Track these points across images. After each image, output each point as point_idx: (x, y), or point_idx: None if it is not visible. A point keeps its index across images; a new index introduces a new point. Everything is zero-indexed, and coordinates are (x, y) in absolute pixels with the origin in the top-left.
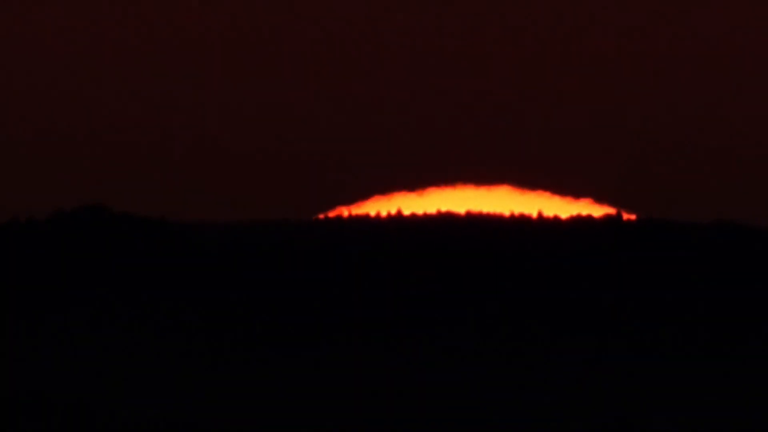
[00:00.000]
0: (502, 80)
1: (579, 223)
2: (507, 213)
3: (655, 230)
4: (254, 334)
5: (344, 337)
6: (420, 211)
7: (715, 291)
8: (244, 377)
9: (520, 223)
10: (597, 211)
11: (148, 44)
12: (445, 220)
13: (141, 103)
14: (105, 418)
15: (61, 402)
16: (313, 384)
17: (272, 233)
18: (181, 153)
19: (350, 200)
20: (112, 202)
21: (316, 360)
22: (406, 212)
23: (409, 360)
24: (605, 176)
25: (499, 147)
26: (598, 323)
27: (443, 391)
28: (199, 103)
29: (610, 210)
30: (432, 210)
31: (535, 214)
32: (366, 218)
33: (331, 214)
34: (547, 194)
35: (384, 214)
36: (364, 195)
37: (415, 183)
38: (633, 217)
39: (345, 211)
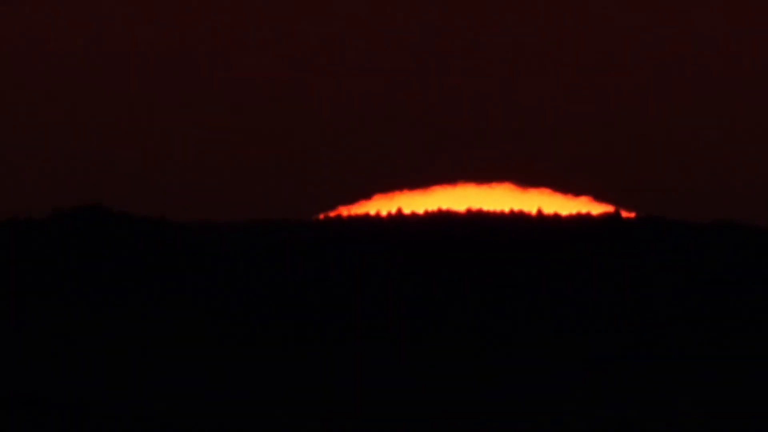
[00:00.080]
0: (503, 80)
1: (578, 221)
2: (507, 211)
3: (654, 229)
4: (254, 334)
5: (344, 337)
6: (420, 210)
7: (714, 291)
8: (244, 377)
9: (519, 220)
10: (596, 209)
11: (148, 44)
12: (446, 218)
13: (141, 103)
14: (105, 418)
15: (61, 402)
16: (313, 384)
17: (272, 233)
18: (181, 153)
19: (352, 200)
20: (112, 202)
21: (316, 360)
22: (407, 211)
23: (409, 359)
24: (605, 174)
25: (500, 145)
26: (597, 322)
27: (443, 390)
28: (199, 102)
29: (609, 208)
30: (433, 208)
31: (534, 212)
32: (366, 217)
33: (333, 213)
34: (547, 192)
35: (384, 213)
36: (366, 194)
37: (417, 182)
38: (632, 215)
39: (345, 211)
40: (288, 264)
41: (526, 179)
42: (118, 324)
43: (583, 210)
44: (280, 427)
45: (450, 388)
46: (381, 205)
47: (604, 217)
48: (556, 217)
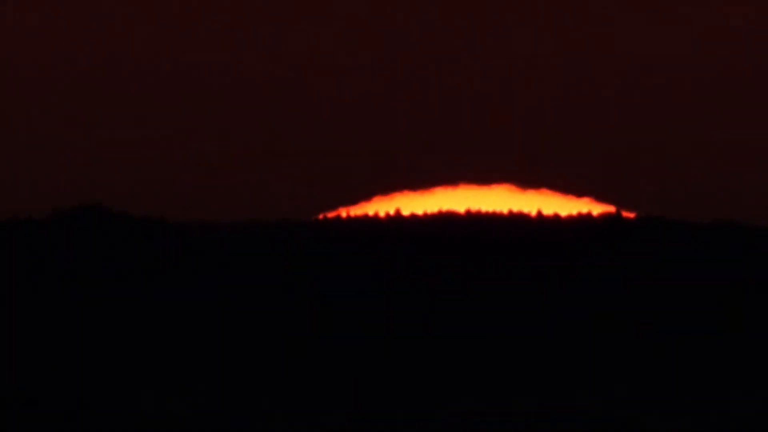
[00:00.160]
0: (503, 80)
1: (578, 221)
2: (506, 212)
3: (655, 229)
4: (254, 334)
5: (344, 337)
6: (420, 211)
7: (714, 291)
8: (244, 377)
9: (519, 221)
10: (596, 209)
11: (148, 43)
12: (445, 219)
13: (141, 102)
14: (105, 418)
15: (61, 402)
16: (313, 383)
17: (272, 233)
18: (181, 153)
19: (352, 200)
20: (112, 202)
21: (316, 360)
22: (406, 212)
23: (409, 359)
24: (605, 175)
25: (500, 147)
26: (597, 322)
27: (443, 389)
28: (199, 102)
29: (609, 208)
30: (432, 209)
31: (534, 213)
32: (365, 218)
33: (333, 214)
34: (546, 193)
35: (383, 214)
36: (366, 195)
37: (417, 183)
38: (632, 215)
39: (345, 212)
40: (288, 264)
41: (527, 180)
42: (117, 324)
43: (584, 210)
44: (280, 427)
45: (450, 387)
46: (381, 206)
47: (604, 218)
48: (556, 218)
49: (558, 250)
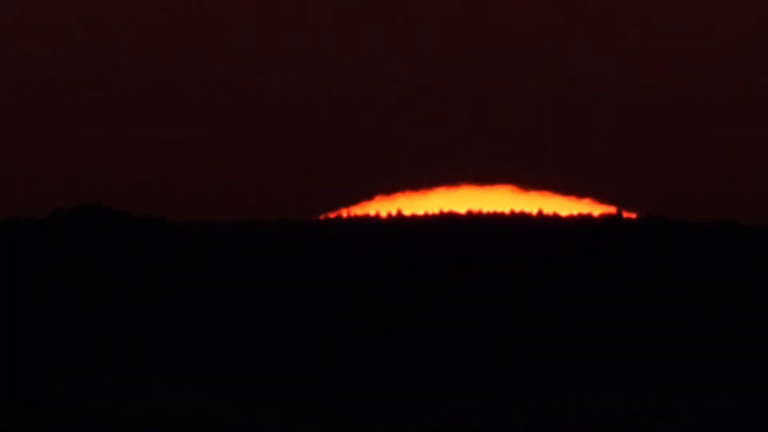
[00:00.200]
0: (504, 81)
1: (579, 222)
2: (507, 212)
3: (655, 229)
4: (254, 334)
5: (344, 337)
6: (421, 212)
7: (714, 291)
8: (244, 377)
9: (520, 221)
10: (597, 210)
11: (148, 44)
12: (446, 220)
13: (141, 102)
14: (105, 418)
15: (61, 402)
16: (313, 383)
17: (272, 233)
18: (182, 153)
19: (353, 200)
20: (112, 202)
21: (315, 359)
22: (407, 212)
23: (409, 359)
24: (605, 176)
25: (501, 147)
26: (597, 322)
27: (443, 389)
28: (199, 102)
29: (610, 209)
30: (433, 210)
31: (535, 213)
32: (366, 218)
33: (335, 214)
34: (547, 194)
35: (384, 214)
36: (368, 195)
37: (418, 183)
38: (633, 216)
39: (346, 212)
40: (288, 264)
41: (528, 181)
42: (117, 324)
43: (585, 211)
44: (280, 427)
45: (450, 387)
46: (382, 206)
47: (605, 218)
48: (556, 218)
49: (559, 251)
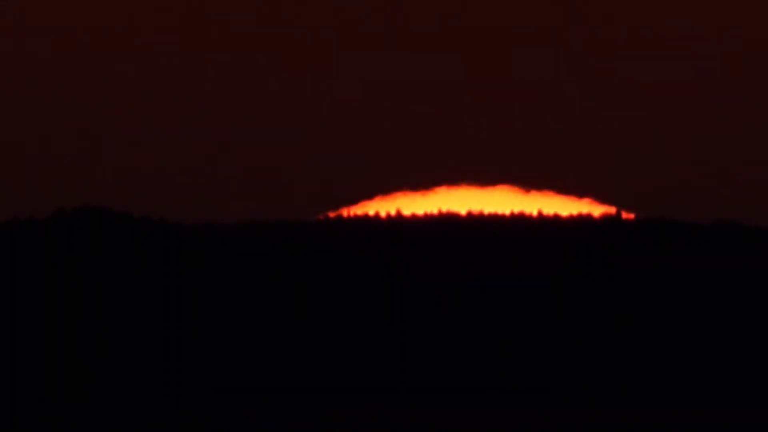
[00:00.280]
0: (503, 80)
1: (579, 222)
2: (507, 213)
3: (655, 229)
4: (255, 334)
5: (345, 338)
6: (420, 212)
7: (714, 291)
8: (244, 376)
9: (520, 222)
10: (597, 210)
11: (148, 44)
12: (446, 220)
13: (141, 102)
14: (105, 418)
15: (61, 402)
16: (313, 383)
17: (272, 233)
18: (182, 153)
19: (353, 200)
20: (112, 202)
21: (316, 359)
22: (407, 212)
23: (409, 359)
24: (605, 176)
25: (500, 147)
26: (598, 322)
27: (442, 388)
28: (199, 102)
29: (610, 209)
30: (433, 210)
31: (535, 213)
32: (365, 218)
33: (335, 214)
34: (547, 194)
35: (383, 214)
36: (368, 195)
37: (418, 183)
38: (632, 216)
39: (346, 212)
40: (288, 264)
41: (528, 181)
42: (118, 324)
43: (585, 211)
44: (280, 427)
45: (450, 387)
46: (382, 206)
47: (604, 219)
48: (556, 219)
49: (559, 251)
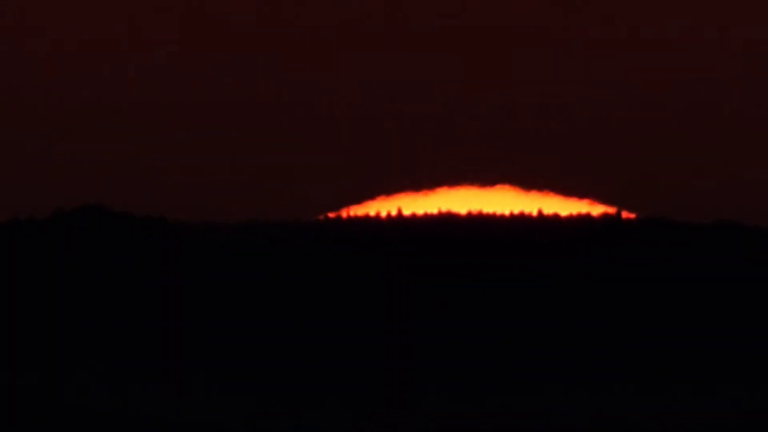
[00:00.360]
0: (504, 80)
1: (579, 222)
2: (507, 213)
3: (655, 230)
4: (255, 334)
5: (345, 338)
6: (421, 212)
7: (714, 291)
8: (244, 376)
9: (520, 222)
10: (597, 210)
11: (148, 44)
12: (446, 220)
13: (141, 102)
14: (105, 418)
15: (61, 402)
16: (313, 383)
17: (272, 233)
18: (182, 153)
19: (355, 201)
20: (112, 202)
21: (317, 359)
22: (407, 212)
23: (409, 359)
24: (605, 176)
25: (502, 148)
26: (598, 322)
27: (442, 389)
28: (199, 102)
29: (609, 209)
30: (433, 210)
31: (535, 214)
32: (365, 218)
33: (336, 214)
34: (547, 194)
35: (384, 214)
36: (369, 195)
37: (420, 183)
38: (632, 216)
39: (346, 212)
40: (288, 264)
41: (528, 181)
42: (118, 324)
43: (584, 211)
44: (280, 426)
45: (450, 387)
46: (383, 207)
47: (604, 218)
48: (556, 219)
49: (559, 251)
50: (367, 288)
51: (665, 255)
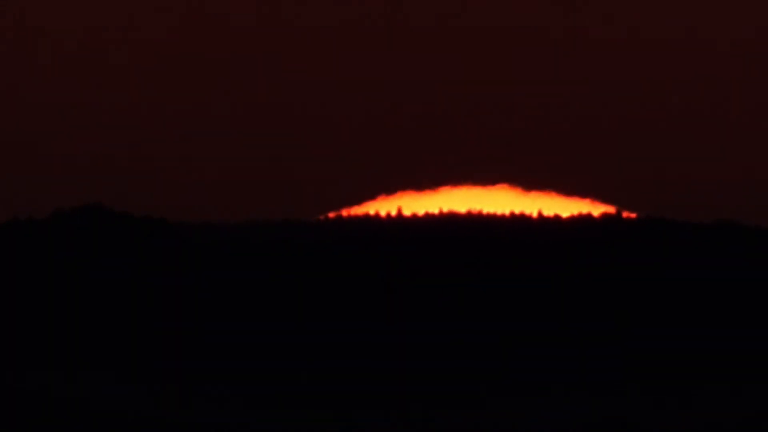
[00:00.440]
0: (504, 80)
1: (579, 222)
2: (507, 213)
3: (655, 229)
4: (255, 334)
5: (345, 338)
6: (421, 211)
7: (714, 291)
8: (244, 377)
9: (520, 222)
10: (597, 210)
11: (148, 44)
12: (446, 220)
13: (141, 102)
14: (106, 418)
15: (62, 401)
16: (313, 383)
17: (272, 233)
18: (182, 153)
19: (356, 201)
20: (112, 202)
21: (317, 359)
22: (407, 212)
23: (409, 358)
24: (605, 176)
25: (501, 148)
26: (598, 322)
27: (442, 388)
28: (199, 102)
29: (610, 209)
30: (434, 210)
31: (535, 214)
32: (365, 218)
33: (336, 214)
34: (547, 194)
35: (383, 214)
36: (370, 195)
37: (421, 183)
38: (633, 216)
39: (345, 212)
40: (288, 264)
41: (529, 181)
42: (118, 324)
43: (585, 211)
44: (280, 426)
45: (450, 387)
46: (383, 206)
47: (604, 218)
48: (556, 219)
49: (559, 251)
50: (367, 288)
51: (665, 255)
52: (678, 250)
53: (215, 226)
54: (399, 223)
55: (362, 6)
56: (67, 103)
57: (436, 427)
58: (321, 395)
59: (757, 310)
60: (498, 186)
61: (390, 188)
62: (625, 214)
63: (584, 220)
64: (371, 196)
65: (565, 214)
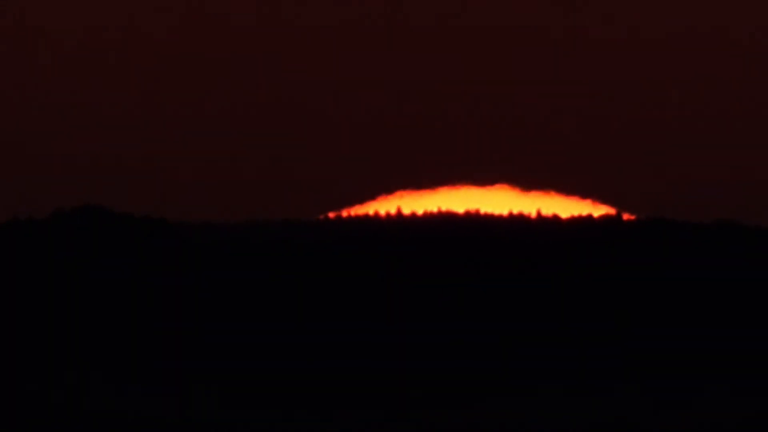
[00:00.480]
0: (504, 80)
1: (578, 223)
2: (506, 213)
3: (655, 230)
4: (255, 334)
5: (345, 338)
6: (421, 211)
7: (714, 291)
8: (244, 377)
9: (519, 222)
10: (597, 210)
11: (149, 44)
12: (446, 220)
13: (142, 102)
14: (105, 418)
15: (61, 402)
16: (313, 383)
17: (272, 233)
18: (182, 153)
19: (355, 200)
20: (112, 202)
21: (316, 359)
22: (407, 212)
23: (409, 358)
24: (605, 176)
25: (500, 147)
26: (598, 323)
27: (442, 388)
28: (199, 102)
29: (609, 210)
30: (433, 210)
31: (534, 214)
32: (365, 218)
33: (336, 214)
34: (546, 194)
35: (383, 213)
36: (370, 195)
37: (420, 183)
38: (633, 217)
39: (347, 212)
40: (288, 264)
41: (528, 182)
42: (118, 324)
43: (585, 212)
44: (280, 426)
45: (450, 387)
46: (383, 206)
47: (604, 219)
48: (556, 219)
49: (558, 252)
50: (367, 288)
51: (666, 255)
52: (678, 251)
53: (215, 226)
54: (398, 222)
55: (362, 6)
56: (67, 103)
57: (436, 427)
58: (321, 395)
59: (757, 310)
60: (497, 186)
61: (390, 188)
62: (625, 216)
63: (584, 221)
64: (371, 196)
65: (564, 215)
